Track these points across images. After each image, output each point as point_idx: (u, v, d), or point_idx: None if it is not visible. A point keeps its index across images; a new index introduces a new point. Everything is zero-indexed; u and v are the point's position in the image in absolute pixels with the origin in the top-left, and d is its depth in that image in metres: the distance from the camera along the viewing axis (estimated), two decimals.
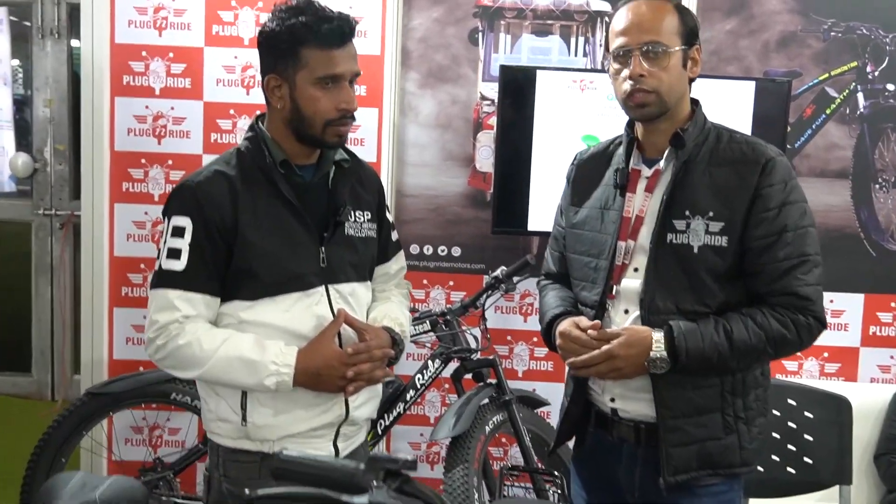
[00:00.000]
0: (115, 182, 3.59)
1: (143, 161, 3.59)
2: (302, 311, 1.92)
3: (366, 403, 2.02)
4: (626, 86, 1.90)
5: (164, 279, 1.88)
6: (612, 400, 1.99)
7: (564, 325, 1.98)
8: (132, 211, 3.60)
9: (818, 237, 1.93)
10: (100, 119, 3.54)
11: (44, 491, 1.94)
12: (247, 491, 1.29)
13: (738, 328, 1.84)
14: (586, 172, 2.12)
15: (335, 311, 1.93)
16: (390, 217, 2.18)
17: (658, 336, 1.85)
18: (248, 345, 1.86)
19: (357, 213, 2.03)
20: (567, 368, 2.02)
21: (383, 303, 2.12)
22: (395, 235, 2.19)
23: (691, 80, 1.97)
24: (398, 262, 2.21)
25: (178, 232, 1.88)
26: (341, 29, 1.86)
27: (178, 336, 1.86)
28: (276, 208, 1.91)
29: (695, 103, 2.00)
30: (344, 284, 1.98)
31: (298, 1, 1.90)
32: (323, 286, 1.94)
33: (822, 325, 1.91)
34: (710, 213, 1.87)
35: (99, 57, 3.52)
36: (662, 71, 1.88)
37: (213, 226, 1.87)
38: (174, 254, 1.88)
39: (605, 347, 1.87)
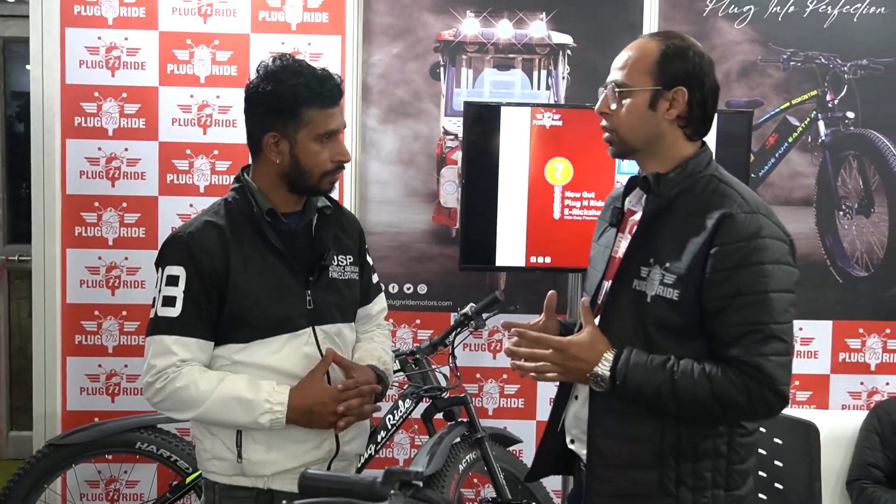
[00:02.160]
0: (66, 226, 3.92)
1: (96, 204, 3.92)
2: (292, 352, 2.28)
3: (355, 439, 2.38)
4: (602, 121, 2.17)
5: (161, 326, 2.23)
6: (572, 441, 2.24)
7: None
8: (85, 256, 3.93)
9: (790, 299, 1.96)
10: (51, 162, 3.87)
11: None
12: (283, 501, 1.65)
13: (685, 373, 1.95)
14: (608, 211, 2.31)
15: (323, 351, 2.30)
16: (370, 260, 2.56)
17: (609, 355, 2.00)
18: (242, 385, 2.20)
19: (340, 258, 2.40)
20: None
21: (367, 343, 2.50)
22: (375, 278, 2.58)
23: (687, 125, 2.08)
24: (379, 304, 2.60)
25: (173, 281, 2.23)
26: (338, 88, 2.27)
27: (176, 379, 2.20)
28: (263, 255, 2.28)
29: (702, 146, 2.13)
30: (330, 325, 2.35)
31: (287, 61, 2.28)
32: (310, 328, 2.31)
33: (783, 399, 1.96)
34: (667, 264, 2.00)
35: (49, 98, 3.85)
36: (621, 109, 2.08)
37: (205, 274, 2.22)
38: (169, 301, 2.23)
39: (559, 338, 2.04)
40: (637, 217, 2.16)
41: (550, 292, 2.24)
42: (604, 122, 2.15)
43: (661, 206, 2.08)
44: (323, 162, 2.27)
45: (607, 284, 2.16)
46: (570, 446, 2.25)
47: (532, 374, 2.09)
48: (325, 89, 2.24)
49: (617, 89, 2.09)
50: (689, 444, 2.03)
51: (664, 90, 2.06)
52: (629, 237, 2.14)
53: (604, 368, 2.00)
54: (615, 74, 2.12)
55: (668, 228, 2.05)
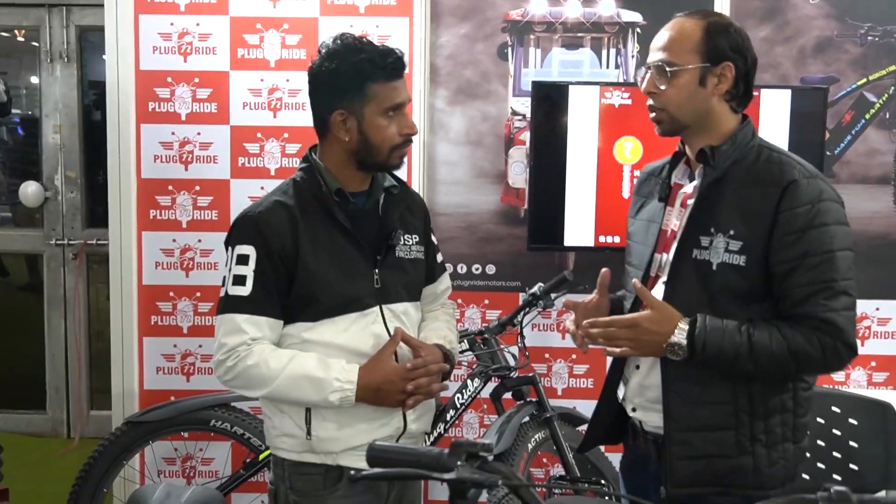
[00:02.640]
0: (142, 210, 4.01)
1: (170, 188, 4.01)
2: (360, 331, 2.30)
3: (422, 417, 2.40)
4: (648, 101, 2.24)
5: (231, 304, 2.26)
6: (634, 410, 2.30)
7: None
8: (160, 238, 4.02)
9: (852, 257, 2.07)
10: (126, 146, 3.96)
11: (132, 502, 2.34)
12: (352, 472, 1.67)
13: (761, 334, 2.04)
14: (645, 186, 2.42)
15: (390, 330, 2.32)
16: (435, 240, 2.57)
17: (683, 324, 2.06)
18: (312, 363, 2.23)
19: (406, 237, 2.41)
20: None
21: (432, 322, 2.51)
22: (440, 257, 2.59)
23: (731, 99, 2.18)
24: (443, 283, 2.61)
25: (243, 260, 2.27)
26: (401, 61, 2.28)
27: (247, 357, 2.23)
28: (332, 234, 2.30)
29: (744, 119, 2.22)
30: (397, 304, 2.36)
31: (347, 39, 2.30)
32: (378, 307, 2.32)
33: (853, 351, 2.07)
34: (732, 232, 2.09)
35: (124, 84, 3.94)
36: (671, 88, 2.15)
37: (275, 253, 2.25)
38: (240, 280, 2.26)
39: (630, 316, 2.12)
40: (688, 190, 2.23)
41: (604, 270, 2.30)
42: (651, 102, 2.22)
43: (717, 178, 2.15)
44: (391, 136, 2.28)
45: (661, 257, 2.25)
46: (632, 415, 2.31)
47: (605, 348, 2.15)
48: (388, 62, 2.25)
49: (668, 69, 2.15)
50: (761, 401, 2.12)
51: (712, 66, 2.15)
52: (682, 210, 2.22)
53: (680, 337, 2.06)
54: (660, 55, 2.18)
55: (726, 198, 2.13)
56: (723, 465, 2.14)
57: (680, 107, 2.17)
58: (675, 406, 2.16)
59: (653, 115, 2.23)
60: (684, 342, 2.05)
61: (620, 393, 2.35)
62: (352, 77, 2.25)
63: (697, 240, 2.15)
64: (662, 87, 2.17)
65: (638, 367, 2.28)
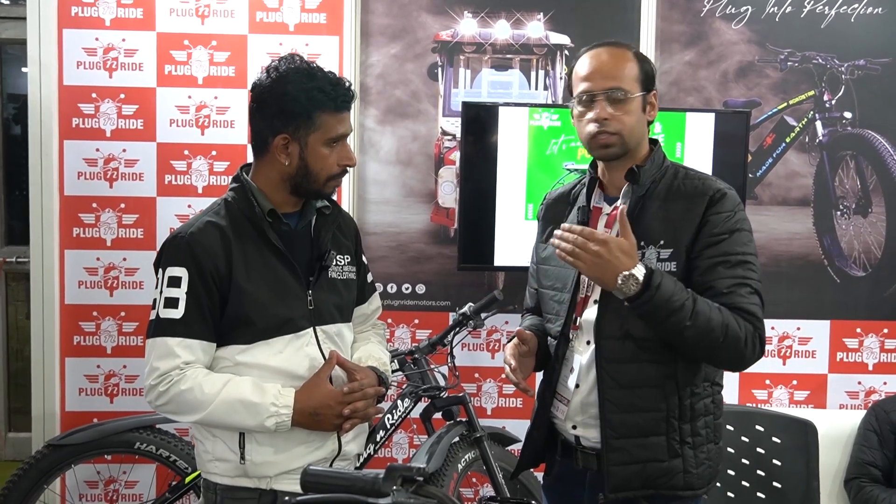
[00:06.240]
0: (65, 227, 3.95)
1: (94, 205, 3.96)
2: (294, 353, 2.30)
3: (355, 439, 2.41)
4: (591, 128, 2.28)
5: (163, 327, 2.24)
6: (574, 427, 2.35)
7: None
8: (84, 257, 3.97)
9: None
10: (48, 163, 3.90)
11: None
12: (286, 498, 1.68)
13: (702, 298, 2.13)
14: (554, 211, 2.52)
15: (324, 352, 2.33)
16: (365, 260, 2.59)
17: (642, 266, 2.09)
18: (247, 388, 2.22)
19: (339, 258, 2.43)
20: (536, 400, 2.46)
21: (364, 343, 2.54)
22: (370, 277, 2.60)
23: (650, 123, 2.36)
24: (374, 303, 2.63)
25: (175, 282, 2.25)
26: (350, 93, 2.30)
27: (180, 382, 2.21)
28: (265, 256, 2.30)
29: (653, 143, 2.37)
30: (330, 326, 2.38)
31: (298, 63, 2.30)
32: (311, 328, 2.33)
33: (763, 347, 2.20)
34: (661, 242, 2.22)
35: (47, 99, 3.88)
36: (625, 115, 2.26)
37: (208, 275, 2.24)
38: (171, 303, 2.24)
39: (603, 234, 2.12)
40: (609, 211, 2.35)
41: (517, 329, 2.38)
42: (602, 128, 2.27)
43: (640, 195, 2.29)
44: (331, 165, 2.30)
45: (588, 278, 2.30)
46: (572, 432, 2.35)
47: (568, 257, 2.13)
48: (339, 94, 2.27)
49: (626, 95, 2.26)
50: (688, 405, 2.25)
51: (646, 94, 2.33)
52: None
53: (640, 271, 2.09)
54: (612, 82, 2.27)
55: (651, 213, 2.27)
56: (656, 468, 2.24)
57: (632, 131, 2.29)
58: (611, 415, 2.25)
59: (604, 139, 2.27)
60: (641, 276, 2.07)
61: (561, 413, 2.38)
62: (302, 104, 2.25)
63: None
64: (619, 114, 2.26)
65: (578, 385, 2.33)
